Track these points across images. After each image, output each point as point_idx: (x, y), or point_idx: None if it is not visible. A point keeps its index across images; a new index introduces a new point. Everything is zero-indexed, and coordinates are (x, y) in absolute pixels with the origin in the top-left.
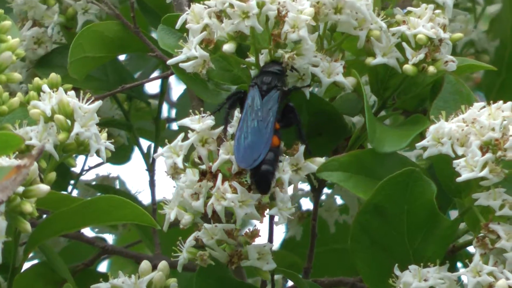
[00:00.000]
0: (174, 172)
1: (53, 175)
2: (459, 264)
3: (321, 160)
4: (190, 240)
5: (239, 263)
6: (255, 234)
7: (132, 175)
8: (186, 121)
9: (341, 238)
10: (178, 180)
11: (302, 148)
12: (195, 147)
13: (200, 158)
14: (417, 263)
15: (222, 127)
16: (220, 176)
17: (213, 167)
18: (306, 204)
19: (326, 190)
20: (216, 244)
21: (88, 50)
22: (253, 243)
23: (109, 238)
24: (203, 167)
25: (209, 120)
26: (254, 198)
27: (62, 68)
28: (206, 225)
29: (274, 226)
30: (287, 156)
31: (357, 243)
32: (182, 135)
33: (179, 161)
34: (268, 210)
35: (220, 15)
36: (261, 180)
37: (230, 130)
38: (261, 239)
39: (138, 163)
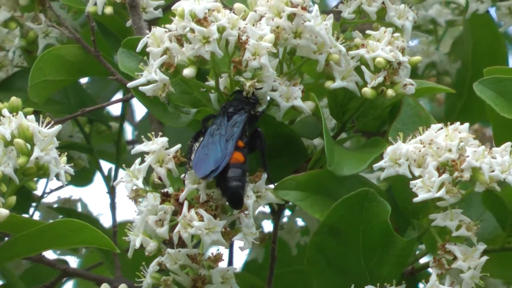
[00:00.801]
0: (136, 195)
1: (13, 199)
2: (421, 285)
3: None
4: (154, 265)
5: None
6: (218, 258)
7: (94, 197)
8: (139, 147)
9: (303, 260)
10: (139, 204)
11: (264, 176)
12: (154, 169)
13: (160, 178)
14: (373, 284)
15: (176, 147)
16: (186, 204)
17: (181, 197)
18: (268, 226)
19: (287, 212)
20: (180, 269)
21: (49, 73)
22: (216, 267)
23: (71, 260)
24: (167, 189)
25: (162, 139)
26: (220, 225)
27: (23, 92)
28: (169, 250)
29: (239, 250)
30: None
31: (313, 264)
32: (139, 159)
33: (139, 183)
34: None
35: (181, 39)
36: (233, 196)
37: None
38: (223, 262)
39: (100, 186)
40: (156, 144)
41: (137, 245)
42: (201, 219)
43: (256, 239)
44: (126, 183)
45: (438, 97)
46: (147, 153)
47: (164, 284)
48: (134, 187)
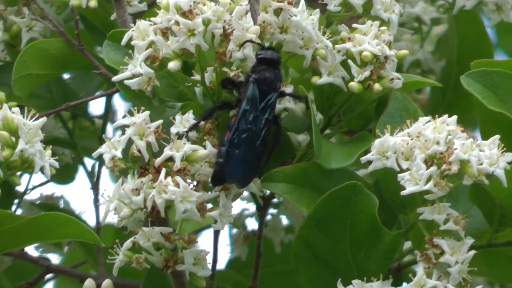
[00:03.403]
0: (113, 166)
1: None
2: (405, 284)
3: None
4: (128, 243)
5: (174, 268)
6: (192, 239)
7: (76, 195)
8: (121, 121)
9: (287, 259)
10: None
11: None
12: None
13: (139, 151)
14: (360, 278)
15: (158, 122)
16: (163, 171)
17: (156, 162)
18: (252, 224)
19: (272, 210)
20: (153, 247)
21: (33, 67)
22: (190, 248)
23: (54, 258)
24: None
25: (145, 113)
26: (196, 195)
27: (7, 86)
28: (144, 228)
29: (212, 228)
30: None
31: (300, 258)
32: (119, 132)
33: (118, 153)
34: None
35: (166, 32)
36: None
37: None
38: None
39: (82, 183)
40: (137, 117)
41: (111, 208)
42: (177, 186)
43: (236, 235)
44: (105, 153)
45: (421, 97)
46: (126, 125)
47: (136, 262)
48: (113, 157)
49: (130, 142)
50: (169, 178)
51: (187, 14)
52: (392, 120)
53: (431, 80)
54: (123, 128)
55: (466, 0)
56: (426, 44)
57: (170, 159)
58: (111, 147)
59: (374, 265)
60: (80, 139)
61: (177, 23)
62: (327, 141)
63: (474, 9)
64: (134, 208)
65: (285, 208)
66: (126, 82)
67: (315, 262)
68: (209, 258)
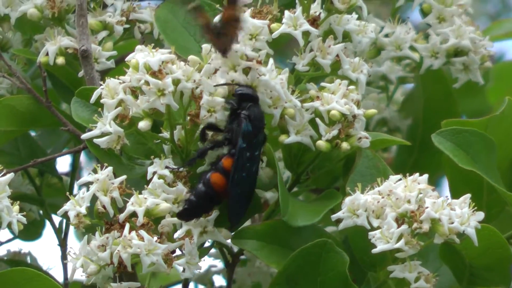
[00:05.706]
0: (79, 223)
1: None
2: None
3: (228, 233)
4: None
5: None
6: None
7: (43, 252)
8: (85, 178)
9: None
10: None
11: (215, 213)
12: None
13: (104, 207)
14: None
15: (122, 177)
16: (127, 226)
17: (120, 217)
18: (219, 281)
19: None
20: None
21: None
22: None
23: None
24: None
25: (108, 169)
26: (161, 248)
27: None
28: (112, 283)
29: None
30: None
31: None
32: (84, 189)
33: (82, 209)
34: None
35: (135, 90)
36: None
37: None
38: None
39: (49, 240)
40: (100, 173)
41: (78, 265)
42: (141, 239)
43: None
44: (70, 210)
45: (386, 156)
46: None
47: None
48: (77, 214)
49: (95, 198)
50: (133, 233)
51: (156, 73)
52: (362, 178)
53: (400, 139)
54: (87, 185)
55: (434, 59)
56: (392, 102)
57: (134, 214)
58: (76, 204)
59: None
60: (47, 195)
61: (147, 82)
62: (294, 199)
63: (441, 68)
64: (102, 264)
65: (253, 265)
66: (95, 140)
67: None
68: None
